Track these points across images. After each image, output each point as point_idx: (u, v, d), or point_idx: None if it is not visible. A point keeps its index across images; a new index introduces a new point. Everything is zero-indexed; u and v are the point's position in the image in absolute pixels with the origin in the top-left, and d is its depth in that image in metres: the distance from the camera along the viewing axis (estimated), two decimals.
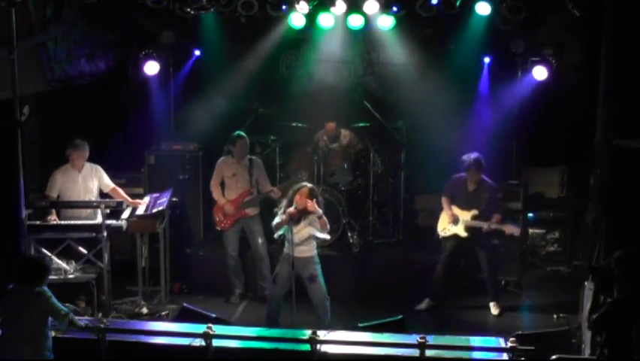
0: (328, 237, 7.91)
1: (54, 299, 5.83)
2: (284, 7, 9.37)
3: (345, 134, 10.13)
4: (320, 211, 7.51)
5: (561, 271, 9.87)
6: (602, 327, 5.61)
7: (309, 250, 7.67)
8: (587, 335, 6.53)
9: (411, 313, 8.20)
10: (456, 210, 8.68)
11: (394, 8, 9.37)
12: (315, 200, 7.49)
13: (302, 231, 7.60)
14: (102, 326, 6.12)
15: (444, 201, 8.77)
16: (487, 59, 10.06)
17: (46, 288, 5.90)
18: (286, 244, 7.61)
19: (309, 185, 7.70)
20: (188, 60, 10.44)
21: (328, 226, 7.69)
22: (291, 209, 7.45)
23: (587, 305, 6.17)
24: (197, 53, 10.44)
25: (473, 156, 8.59)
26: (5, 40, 7.04)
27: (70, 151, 8.48)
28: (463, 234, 8.63)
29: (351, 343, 6.21)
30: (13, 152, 7.15)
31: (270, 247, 8.98)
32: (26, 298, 5.76)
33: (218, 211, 8.96)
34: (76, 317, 6.16)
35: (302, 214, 7.54)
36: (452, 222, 8.65)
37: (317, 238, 7.69)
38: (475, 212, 8.61)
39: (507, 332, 6.94)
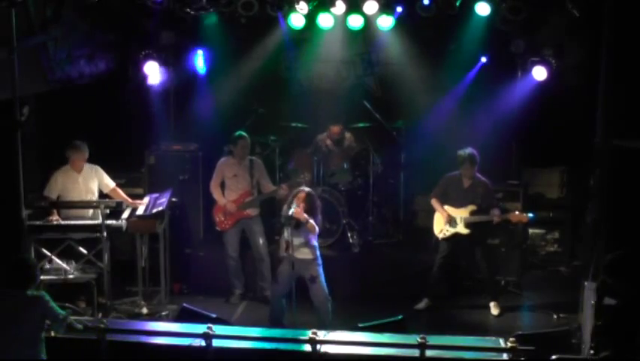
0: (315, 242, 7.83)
1: (52, 303, 5.80)
2: (284, 8, 9.38)
3: (347, 136, 10.11)
4: (305, 217, 7.48)
5: (561, 271, 9.87)
6: (606, 335, 5.60)
7: (310, 252, 7.68)
8: (587, 335, 6.53)
9: (411, 314, 8.21)
10: (450, 209, 8.67)
11: (399, 9, 9.38)
12: (310, 205, 7.48)
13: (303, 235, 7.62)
14: (102, 326, 6.11)
15: (434, 202, 8.75)
16: (483, 59, 10.04)
17: (44, 292, 5.89)
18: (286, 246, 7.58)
19: (307, 189, 7.68)
20: (188, 60, 10.44)
21: (317, 230, 7.66)
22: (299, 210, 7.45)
23: (589, 312, 6.08)
24: (197, 53, 10.44)
25: (468, 150, 8.60)
26: (5, 40, 7.03)
27: (70, 152, 8.49)
28: (465, 231, 8.60)
29: (352, 343, 6.21)
30: (13, 152, 7.14)
31: (270, 247, 9.00)
32: (23, 301, 5.71)
33: (219, 212, 8.95)
34: (76, 317, 6.16)
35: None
36: (449, 222, 8.65)
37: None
38: (472, 207, 8.59)
39: (507, 332, 6.94)
